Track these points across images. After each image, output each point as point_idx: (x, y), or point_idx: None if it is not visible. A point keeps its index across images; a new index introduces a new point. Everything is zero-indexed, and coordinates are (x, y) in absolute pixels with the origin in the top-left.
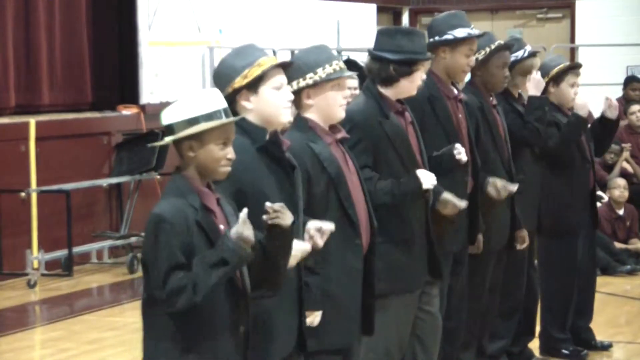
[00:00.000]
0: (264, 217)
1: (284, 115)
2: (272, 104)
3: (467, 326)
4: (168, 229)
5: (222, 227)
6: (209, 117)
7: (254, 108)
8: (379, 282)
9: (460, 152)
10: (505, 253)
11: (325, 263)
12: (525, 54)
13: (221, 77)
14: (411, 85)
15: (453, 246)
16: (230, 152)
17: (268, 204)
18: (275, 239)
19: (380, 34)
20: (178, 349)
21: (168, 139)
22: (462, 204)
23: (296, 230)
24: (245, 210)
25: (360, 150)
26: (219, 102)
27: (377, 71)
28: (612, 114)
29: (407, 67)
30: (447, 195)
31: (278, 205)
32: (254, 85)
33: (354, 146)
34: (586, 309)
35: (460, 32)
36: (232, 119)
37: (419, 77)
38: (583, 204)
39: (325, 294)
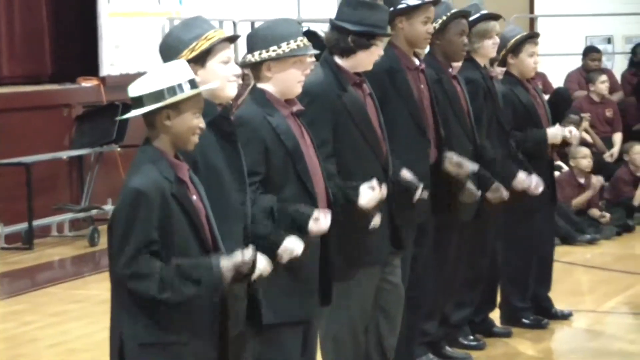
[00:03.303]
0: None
1: (230, 89)
2: (220, 78)
3: (431, 296)
4: (145, 204)
5: (194, 197)
6: (186, 85)
7: (201, 82)
8: (341, 257)
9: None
10: (469, 223)
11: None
12: (479, 15)
13: (168, 49)
14: (368, 59)
15: (417, 217)
16: (202, 122)
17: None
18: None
19: (343, 4)
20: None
21: (154, 106)
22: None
23: (242, 216)
24: (250, 251)
25: (320, 125)
26: (190, 72)
27: (336, 41)
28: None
29: (365, 39)
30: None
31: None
32: (201, 59)
33: (313, 121)
34: (545, 278)
35: (413, 0)
36: (209, 85)
37: (377, 51)
38: (541, 178)
39: (284, 267)
